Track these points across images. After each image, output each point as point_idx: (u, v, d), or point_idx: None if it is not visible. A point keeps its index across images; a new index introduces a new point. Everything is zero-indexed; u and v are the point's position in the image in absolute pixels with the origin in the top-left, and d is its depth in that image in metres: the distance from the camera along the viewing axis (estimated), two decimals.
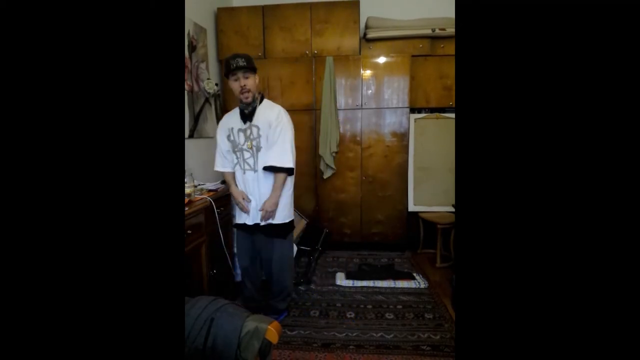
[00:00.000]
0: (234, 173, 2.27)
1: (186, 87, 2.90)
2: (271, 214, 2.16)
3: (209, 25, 3.43)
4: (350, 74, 3.51)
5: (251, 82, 2.08)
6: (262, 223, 2.19)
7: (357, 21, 3.47)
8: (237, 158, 2.19)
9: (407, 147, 3.58)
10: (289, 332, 2.24)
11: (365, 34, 3.62)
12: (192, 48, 3.03)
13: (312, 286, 2.90)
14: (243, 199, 2.20)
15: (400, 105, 3.51)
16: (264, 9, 3.52)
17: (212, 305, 1.31)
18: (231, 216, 2.67)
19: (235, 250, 2.69)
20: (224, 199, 2.51)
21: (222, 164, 2.29)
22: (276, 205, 2.16)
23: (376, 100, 3.53)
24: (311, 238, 3.44)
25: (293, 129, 2.20)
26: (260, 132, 2.12)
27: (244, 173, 2.19)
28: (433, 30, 3.48)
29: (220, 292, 2.40)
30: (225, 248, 2.45)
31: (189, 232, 1.96)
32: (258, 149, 2.14)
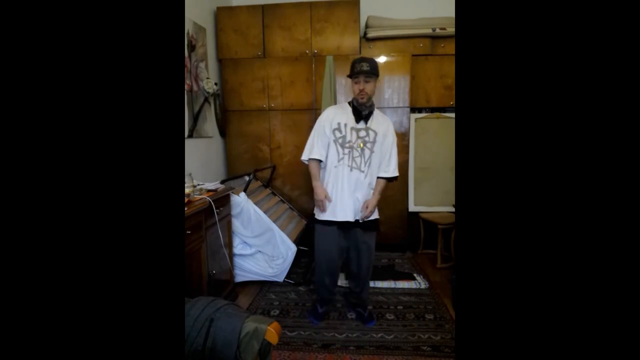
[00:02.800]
0: (319, 165, 2.31)
1: (185, 86, 2.89)
2: (371, 213, 2.27)
3: (208, 24, 3.42)
4: None
5: (370, 86, 2.17)
6: (362, 219, 2.27)
7: (357, 20, 3.46)
8: (344, 154, 2.22)
9: (407, 146, 3.57)
10: (288, 333, 2.23)
11: (365, 33, 3.61)
12: (192, 47, 3.01)
13: (312, 287, 2.89)
14: (325, 197, 2.25)
15: (401, 105, 3.51)
16: (263, 8, 3.51)
17: (211, 306, 1.31)
18: (230, 216, 2.66)
19: (236, 249, 2.68)
20: (224, 199, 2.50)
21: (319, 152, 2.27)
22: (376, 206, 2.30)
23: (376, 99, 3.50)
24: (311, 238, 3.42)
25: None
26: (377, 138, 2.22)
27: (351, 170, 2.22)
28: (433, 30, 3.48)
29: (220, 293, 2.39)
30: (224, 248, 2.44)
31: (188, 232, 1.95)
32: (371, 152, 2.22)
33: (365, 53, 3.54)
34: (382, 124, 2.24)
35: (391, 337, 2.18)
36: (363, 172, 2.21)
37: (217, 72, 3.66)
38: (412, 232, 3.68)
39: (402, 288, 2.85)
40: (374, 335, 2.20)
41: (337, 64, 3.46)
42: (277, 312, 2.53)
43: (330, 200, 2.25)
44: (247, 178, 3.23)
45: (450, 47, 3.52)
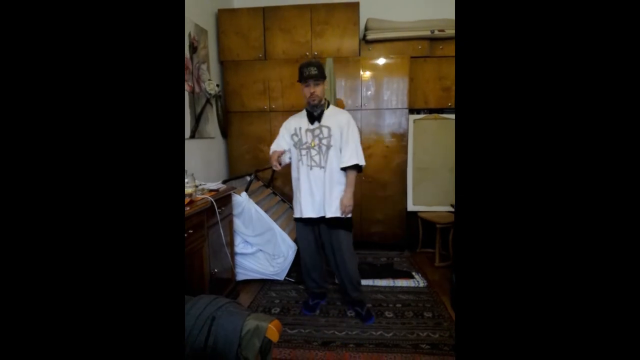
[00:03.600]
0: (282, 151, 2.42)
1: (187, 88, 2.93)
2: (350, 208, 2.32)
3: (209, 26, 3.45)
4: (350, 75, 3.53)
5: (320, 88, 2.29)
6: (328, 216, 2.32)
7: (357, 23, 3.49)
8: (302, 155, 2.34)
9: (406, 147, 3.60)
10: (289, 331, 2.26)
11: (364, 36, 3.63)
12: (193, 49, 3.05)
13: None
14: (277, 161, 2.35)
15: (400, 106, 3.53)
16: (264, 10, 3.54)
17: (213, 305, 1.31)
18: (232, 216, 2.70)
19: (238, 247, 2.72)
20: (225, 198, 2.53)
21: (277, 144, 2.45)
22: (351, 200, 2.33)
23: (375, 101, 3.55)
24: None
25: None
26: (331, 133, 2.31)
27: (311, 169, 2.33)
28: (432, 32, 3.50)
29: (221, 292, 2.43)
30: (226, 247, 2.48)
31: (190, 231, 1.98)
32: (328, 147, 2.31)
33: (365, 55, 3.58)
34: (336, 119, 2.33)
35: (390, 335, 2.21)
36: (323, 167, 2.32)
37: (219, 74, 3.69)
38: (410, 232, 3.71)
39: (400, 286, 2.88)
40: (374, 333, 2.23)
41: (337, 66, 3.49)
42: (278, 310, 2.56)
43: (279, 162, 2.35)
44: (248, 178, 3.26)
45: (448, 49, 3.55)
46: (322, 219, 2.36)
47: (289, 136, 2.40)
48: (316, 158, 2.32)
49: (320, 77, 2.26)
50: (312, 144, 2.32)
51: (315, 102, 2.29)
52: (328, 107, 2.39)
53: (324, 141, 2.31)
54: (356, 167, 2.32)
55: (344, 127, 2.31)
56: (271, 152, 2.42)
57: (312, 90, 2.27)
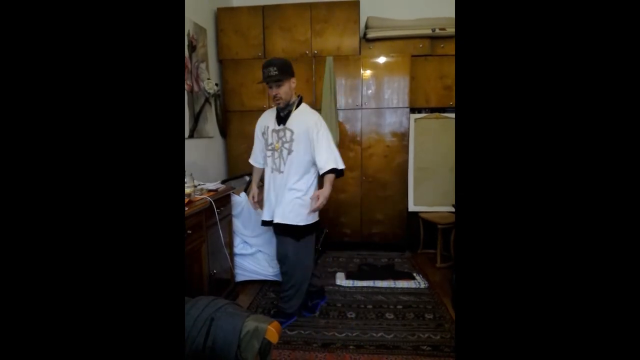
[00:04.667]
0: (261, 170, 2.41)
1: (186, 87, 2.90)
2: (322, 204, 2.18)
3: (209, 25, 3.43)
4: (350, 73, 3.51)
5: (284, 89, 2.14)
6: (276, 220, 2.26)
7: (357, 21, 3.47)
8: (267, 157, 2.30)
9: (407, 147, 3.58)
10: (289, 332, 2.24)
11: (365, 34, 3.62)
12: (192, 48, 3.03)
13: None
14: (255, 201, 2.43)
15: (400, 105, 3.52)
16: (264, 8, 3.52)
17: (212, 306, 1.31)
18: (231, 216, 2.67)
19: (237, 248, 2.70)
20: (224, 199, 2.51)
21: (255, 158, 2.46)
22: (326, 199, 2.19)
23: (376, 100, 3.54)
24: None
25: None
26: (294, 137, 2.18)
27: (272, 172, 2.28)
28: (433, 30, 3.49)
29: (220, 293, 2.41)
30: (225, 248, 2.45)
31: (189, 232, 1.96)
32: (289, 152, 2.20)
33: (365, 54, 3.56)
34: (302, 122, 2.18)
35: (391, 336, 2.19)
36: (282, 172, 2.22)
37: (218, 73, 3.67)
38: (411, 232, 3.69)
39: (401, 288, 2.86)
40: (374, 334, 2.21)
41: (337, 64, 3.47)
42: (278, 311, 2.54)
43: (255, 203, 2.42)
44: (247, 178, 3.23)
45: (449, 48, 3.53)
46: (277, 225, 2.26)
47: (261, 134, 2.36)
48: (277, 161, 2.24)
49: (282, 77, 2.11)
50: (277, 146, 2.23)
51: (281, 105, 2.18)
52: (298, 106, 2.25)
53: (286, 145, 2.20)
54: (334, 172, 2.17)
55: (312, 131, 2.15)
56: (252, 157, 2.45)
57: (274, 93, 2.14)
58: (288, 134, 2.20)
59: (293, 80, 2.20)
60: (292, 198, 2.22)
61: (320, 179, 2.26)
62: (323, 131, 2.18)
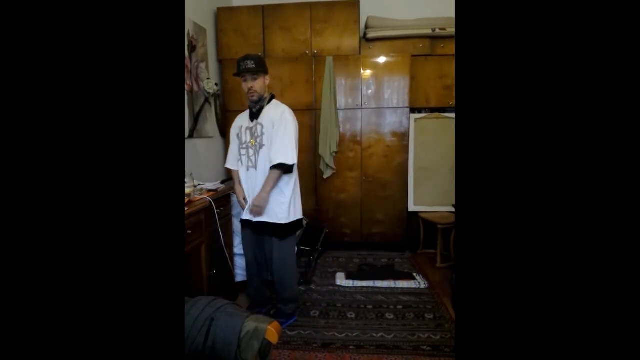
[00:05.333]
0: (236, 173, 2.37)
1: (186, 87, 2.90)
2: (260, 209, 2.17)
3: (209, 25, 3.43)
4: (350, 73, 3.51)
5: (259, 83, 2.15)
6: (254, 219, 2.23)
7: (357, 21, 3.47)
8: (242, 155, 2.27)
9: (407, 147, 3.58)
10: (289, 332, 2.24)
11: (365, 34, 3.62)
12: (192, 48, 3.02)
13: (312, 286, 2.90)
14: (244, 199, 2.30)
15: (401, 105, 3.51)
16: (263, 8, 3.52)
17: (212, 306, 1.31)
18: (231, 216, 2.67)
19: (237, 248, 2.70)
20: (224, 199, 2.50)
21: (231, 162, 2.39)
22: (266, 201, 2.16)
23: (376, 100, 3.53)
24: (311, 238, 3.44)
25: (297, 128, 2.25)
26: (264, 130, 2.18)
27: (247, 170, 2.25)
28: (433, 30, 3.49)
29: (220, 293, 2.40)
30: (225, 248, 2.45)
31: (188, 232, 1.96)
32: (261, 146, 2.19)
33: (365, 53, 3.56)
34: (273, 114, 2.18)
35: (391, 336, 2.18)
36: (257, 169, 2.22)
37: (218, 73, 3.67)
38: (411, 232, 3.69)
39: (401, 288, 2.85)
40: (374, 334, 2.20)
41: (337, 64, 3.47)
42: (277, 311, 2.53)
43: (244, 203, 2.30)
44: None
45: (449, 48, 3.53)
46: (261, 225, 2.24)
47: (235, 136, 2.32)
48: (252, 158, 2.23)
49: (259, 69, 2.12)
50: (252, 143, 2.22)
51: (255, 98, 2.17)
52: (270, 102, 2.26)
53: (259, 139, 2.20)
54: (282, 167, 2.12)
55: (276, 122, 2.15)
56: (228, 160, 2.41)
57: (249, 85, 2.14)
58: (259, 128, 2.20)
59: (267, 77, 2.22)
60: (271, 194, 2.18)
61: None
62: (286, 124, 2.15)
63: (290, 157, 2.13)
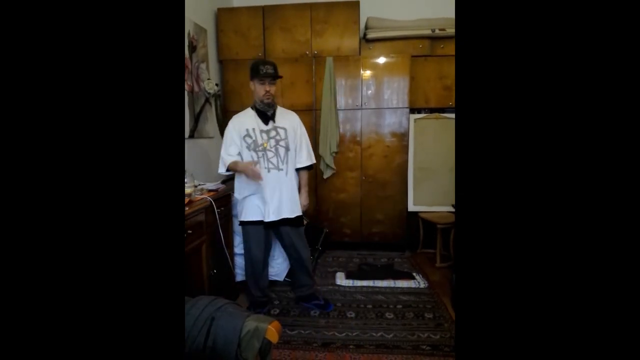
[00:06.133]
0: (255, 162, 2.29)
1: (186, 87, 2.91)
2: (308, 206, 2.54)
3: (209, 25, 3.44)
4: (350, 74, 3.52)
5: (274, 88, 2.32)
6: (294, 215, 2.40)
7: (357, 22, 3.48)
8: (259, 157, 2.30)
9: (406, 147, 3.59)
10: (289, 332, 2.25)
11: (365, 35, 3.62)
12: (193, 48, 3.03)
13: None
14: (255, 165, 2.25)
15: (400, 106, 3.52)
16: (264, 9, 3.53)
17: (212, 305, 1.31)
18: (231, 216, 2.68)
19: (237, 248, 2.70)
20: (225, 199, 2.51)
21: (231, 157, 2.31)
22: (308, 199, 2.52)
23: (376, 100, 3.54)
24: (311, 238, 3.43)
25: None
26: (287, 134, 2.33)
27: (269, 172, 2.30)
28: (433, 31, 3.49)
29: (221, 292, 2.41)
30: (225, 248, 2.46)
31: (189, 231, 1.96)
32: (287, 149, 2.33)
33: (365, 54, 3.56)
34: (288, 120, 2.38)
35: (391, 336, 2.19)
36: (282, 170, 2.33)
37: (218, 73, 3.68)
38: (411, 232, 3.70)
39: (401, 287, 2.86)
40: (374, 334, 2.21)
41: (337, 65, 3.48)
42: (278, 311, 2.55)
43: (257, 173, 2.22)
44: None
45: (449, 48, 3.53)
46: (284, 221, 2.37)
47: (239, 139, 2.30)
48: (273, 160, 2.30)
49: (277, 77, 2.29)
50: (265, 145, 2.29)
51: (270, 100, 2.29)
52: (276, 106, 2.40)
53: (282, 143, 2.32)
54: (311, 168, 2.47)
55: (297, 128, 2.39)
56: (224, 160, 2.31)
57: (267, 89, 2.25)
58: (282, 132, 2.32)
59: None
60: (294, 192, 2.39)
61: None
62: (303, 128, 2.45)
63: (313, 158, 2.48)
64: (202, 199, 2.17)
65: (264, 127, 2.31)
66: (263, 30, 3.54)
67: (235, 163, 2.29)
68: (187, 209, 1.94)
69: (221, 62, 3.66)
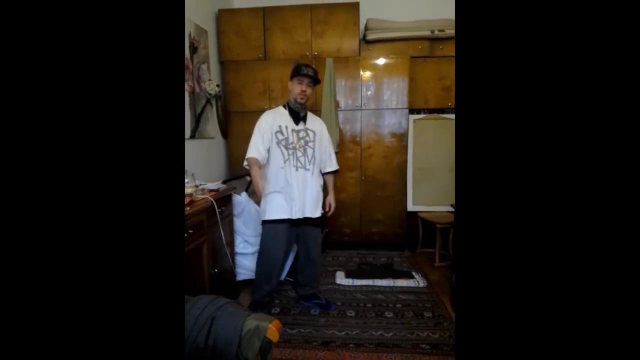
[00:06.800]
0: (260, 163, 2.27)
1: (187, 88, 2.93)
2: (333, 209, 2.60)
3: (210, 26, 3.45)
4: (350, 75, 3.53)
5: (310, 90, 2.38)
6: (316, 215, 2.46)
7: (357, 23, 3.49)
8: (289, 155, 2.35)
9: (406, 147, 3.61)
10: (289, 331, 2.26)
11: (364, 36, 3.64)
12: (194, 49, 3.05)
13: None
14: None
15: (400, 106, 3.54)
16: (264, 10, 3.54)
17: (213, 304, 1.32)
18: (232, 216, 2.69)
19: (238, 247, 2.72)
20: (225, 198, 2.53)
21: (258, 152, 2.26)
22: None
23: (375, 101, 3.56)
24: None
25: None
26: (315, 138, 2.42)
27: (297, 170, 2.36)
28: (432, 32, 3.51)
29: (221, 292, 2.43)
30: (226, 247, 2.48)
31: (190, 231, 1.97)
32: (314, 150, 2.42)
33: (365, 55, 3.58)
34: (318, 124, 2.47)
35: (390, 335, 2.21)
36: (309, 170, 2.39)
37: (219, 74, 3.69)
38: (410, 232, 3.71)
39: (400, 286, 2.88)
40: (374, 333, 2.23)
41: (337, 66, 3.50)
42: (278, 310, 2.57)
43: (261, 191, 2.21)
44: (248, 178, 3.25)
45: (448, 49, 3.55)
46: (306, 220, 2.42)
47: (272, 133, 2.31)
48: (302, 159, 2.37)
49: (316, 80, 2.35)
50: (299, 145, 2.36)
51: (304, 100, 2.35)
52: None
53: (310, 144, 2.40)
54: (336, 172, 2.59)
55: (325, 134, 2.49)
56: (251, 155, 2.26)
57: (304, 89, 2.32)
58: (311, 134, 2.41)
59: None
60: (318, 192, 2.46)
61: None
62: (328, 135, 2.54)
63: (337, 164, 2.60)
64: (203, 199, 2.19)
65: (296, 127, 2.37)
66: (263, 31, 3.56)
67: (255, 163, 2.22)
68: (188, 208, 1.95)
69: (222, 63, 3.68)
